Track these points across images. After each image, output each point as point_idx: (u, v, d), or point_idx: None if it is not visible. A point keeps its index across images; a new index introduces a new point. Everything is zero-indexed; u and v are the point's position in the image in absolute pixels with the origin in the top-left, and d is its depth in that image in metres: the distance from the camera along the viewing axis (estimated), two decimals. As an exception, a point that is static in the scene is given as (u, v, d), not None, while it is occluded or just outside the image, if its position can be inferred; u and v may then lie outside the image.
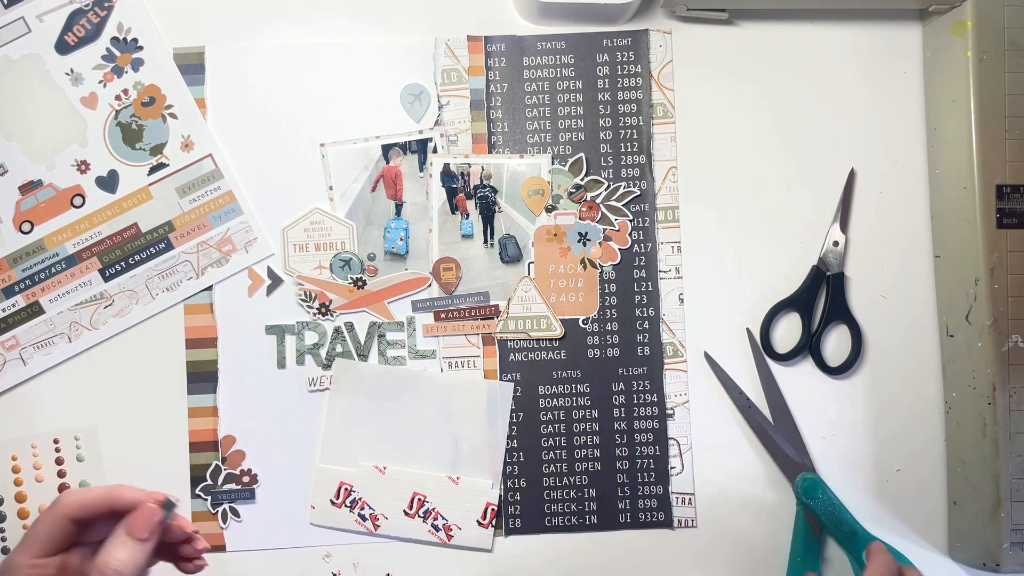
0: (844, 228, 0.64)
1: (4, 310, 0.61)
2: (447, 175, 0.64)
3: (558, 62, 0.65)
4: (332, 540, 0.63)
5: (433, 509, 0.62)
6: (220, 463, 0.63)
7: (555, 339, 0.64)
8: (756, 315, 0.64)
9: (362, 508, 0.62)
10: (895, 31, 0.66)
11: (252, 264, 0.63)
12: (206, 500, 0.63)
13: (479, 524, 0.62)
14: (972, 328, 0.60)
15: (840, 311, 0.64)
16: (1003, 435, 0.58)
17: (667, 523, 0.63)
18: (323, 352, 0.63)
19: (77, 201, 0.61)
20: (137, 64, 0.61)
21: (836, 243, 0.64)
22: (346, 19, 0.65)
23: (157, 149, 0.62)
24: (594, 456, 0.63)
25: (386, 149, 0.64)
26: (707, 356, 0.64)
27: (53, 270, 0.61)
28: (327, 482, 0.63)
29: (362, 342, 0.64)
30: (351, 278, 0.64)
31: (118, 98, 0.61)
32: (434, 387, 0.63)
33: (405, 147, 0.64)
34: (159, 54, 0.62)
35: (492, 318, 0.64)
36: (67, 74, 0.61)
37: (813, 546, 0.61)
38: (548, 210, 0.64)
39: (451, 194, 0.64)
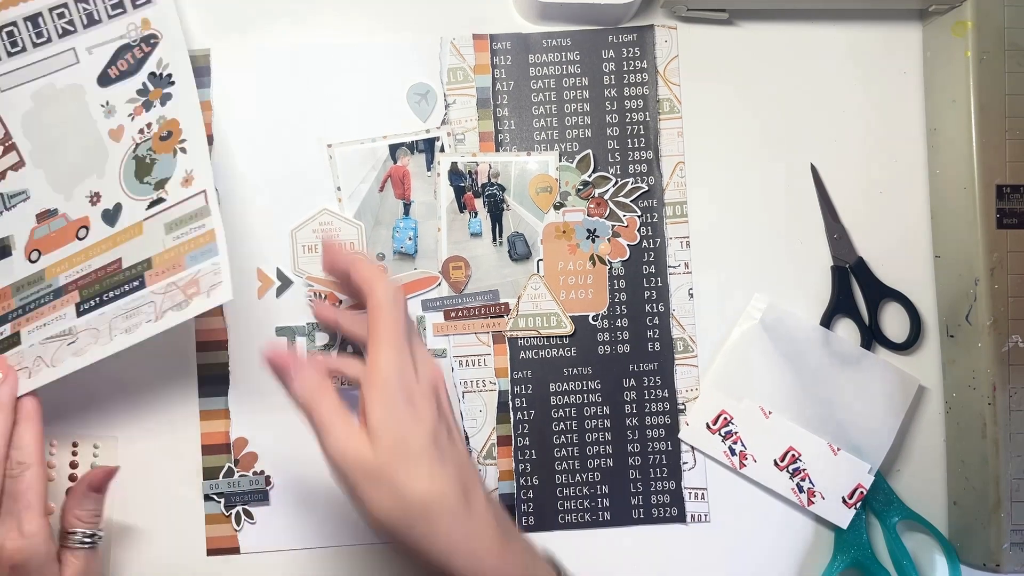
0: (836, 219, 0.65)
1: None
2: (455, 174, 0.64)
3: (564, 59, 0.65)
4: (344, 540, 0.63)
5: (803, 469, 0.63)
6: (233, 465, 0.63)
7: (565, 336, 0.65)
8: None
9: (735, 442, 0.63)
10: (895, 31, 0.66)
11: (205, 310, 0.56)
12: (219, 502, 0.63)
13: (844, 501, 0.63)
14: (972, 328, 0.61)
15: (877, 289, 0.65)
16: (1003, 435, 0.60)
17: (680, 518, 0.64)
18: (334, 353, 0.63)
19: (81, 233, 0.59)
20: (166, 99, 0.59)
21: (836, 236, 0.65)
22: (351, 19, 0.64)
23: (160, 184, 0.59)
24: (606, 452, 0.64)
25: (393, 149, 0.64)
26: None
27: (42, 301, 0.59)
28: (708, 407, 0.64)
29: (373, 342, 0.64)
30: (361, 278, 0.63)
31: (141, 132, 0.59)
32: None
33: (412, 147, 0.64)
34: (187, 89, 0.59)
35: (502, 316, 0.64)
36: (102, 106, 0.60)
37: (859, 511, 0.63)
38: (556, 207, 0.65)
39: (459, 193, 0.64)
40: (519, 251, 0.65)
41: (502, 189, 0.64)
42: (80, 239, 0.59)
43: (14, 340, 0.58)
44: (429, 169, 0.64)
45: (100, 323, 0.57)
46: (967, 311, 0.62)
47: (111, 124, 0.60)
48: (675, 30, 0.66)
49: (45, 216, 0.60)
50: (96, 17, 0.60)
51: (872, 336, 0.65)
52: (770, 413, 0.63)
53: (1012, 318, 0.60)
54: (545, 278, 0.65)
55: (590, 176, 0.65)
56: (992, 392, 0.60)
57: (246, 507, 0.63)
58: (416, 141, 0.64)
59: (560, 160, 0.65)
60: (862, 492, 0.62)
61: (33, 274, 0.59)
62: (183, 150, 0.59)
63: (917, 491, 0.65)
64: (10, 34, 0.60)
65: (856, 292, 0.65)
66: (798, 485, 0.63)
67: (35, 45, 0.60)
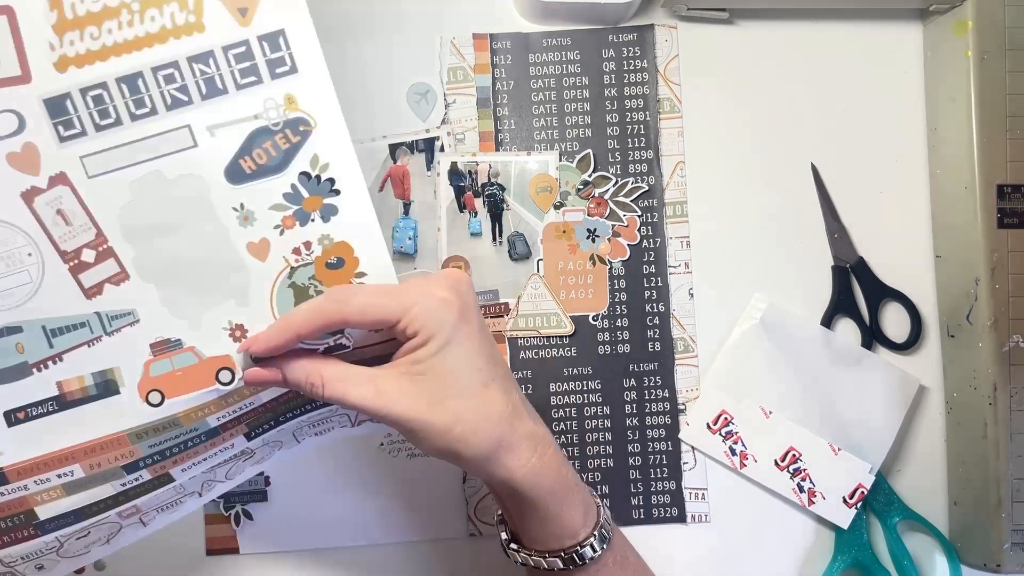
0: (836, 219, 0.65)
1: (124, 484, 0.46)
2: (455, 174, 0.64)
3: (564, 59, 0.65)
4: (346, 542, 0.63)
5: (804, 469, 0.63)
6: (232, 466, 0.63)
7: (565, 336, 0.65)
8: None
9: (735, 442, 0.63)
10: (895, 31, 0.66)
11: None
12: (218, 502, 0.62)
13: (845, 501, 0.63)
14: (972, 328, 0.61)
15: (877, 289, 0.65)
16: (1004, 435, 0.59)
17: (680, 518, 0.64)
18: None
19: (224, 377, 0.45)
20: (328, 213, 0.45)
21: (836, 236, 0.65)
22: (351, 18, 0.64)
23: (337, 330, 0.46)
24: (606, 452, 0.64)
25: (393, 148, 0.64)
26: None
27: (189, 444, 0.47)
28: (708, 407, 0.64)
29: (372, 342, 0.63)
30: (361, 278, 0.63)
31: (296, 252, 0.45)
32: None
33: (412, 146, 0.64)
34: (358, 203, 0.45)
35: (502, 316, 0.64)
36: (235, 209, 0.45)
37: (859, 511, 0.63)
38: (556, 207, 0.65)
39: (459, 192, 0.64)
40: (519, 251, 0.64)
41: (502, 189, 0.64)
42: (223, 384, 0.45)
43: (164, 480, 0.47)
44: (429, 169, 0.64)
45: (282, 435, 0.49)
46: (968, 311, 0.62)
47: (249, 235, 0.45)
48: (675, 29, 0.66)
49: (163, 347, 0.45)
50: (219, 85, 0.44)
51: (872, 336, 0.65)
52: (770, 413, 0.63)
53: (1013, 318, 0.60)
54: (545, 278, 0.64)
55: (590, 176, 0.65)
56: (993, 392, 0.60)
57: (245, 507, 0.63)
58: (416, 141, 0.64)
59: (560, 160, 0.65)
60: (863, 492, 0.62)
61: (161, 420, 0.45)
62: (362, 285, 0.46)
63: (918, 491, 0.65)
64: (98, 100, 0.43)
65: (856, 292, 0.65)
66: (799, 485, 0.63)
67: (133, 118, 0.43)
